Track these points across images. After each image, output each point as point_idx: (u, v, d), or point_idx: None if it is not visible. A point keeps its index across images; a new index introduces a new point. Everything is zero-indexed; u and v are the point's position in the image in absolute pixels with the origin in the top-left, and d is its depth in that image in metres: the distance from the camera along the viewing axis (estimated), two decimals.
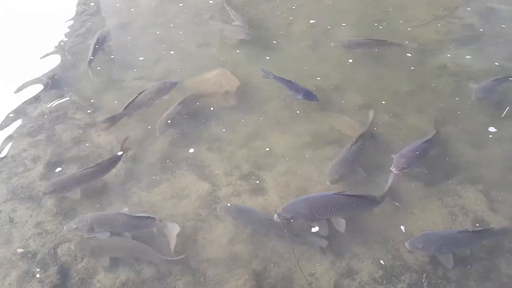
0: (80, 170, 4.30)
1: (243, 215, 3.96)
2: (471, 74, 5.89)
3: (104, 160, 4.42)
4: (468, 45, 6.52)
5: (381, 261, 3.67)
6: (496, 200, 4.18)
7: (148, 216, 3.83)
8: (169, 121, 4.96)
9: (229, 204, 4.08)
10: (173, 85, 5.48)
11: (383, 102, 5.41)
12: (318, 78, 5.84)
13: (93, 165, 4.32)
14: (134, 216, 3.83)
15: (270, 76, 5.45)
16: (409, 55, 6.26)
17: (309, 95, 5.14)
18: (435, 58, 6.27)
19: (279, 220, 3.72)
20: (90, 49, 6.21)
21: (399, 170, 4.13)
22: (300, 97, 5.16)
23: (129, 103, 5.05)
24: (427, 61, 6.20)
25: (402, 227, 3.93)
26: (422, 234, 3.70)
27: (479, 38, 6.71)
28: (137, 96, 5.14)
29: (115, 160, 4.47)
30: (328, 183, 4.16)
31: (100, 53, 6.31)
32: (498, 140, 4.84)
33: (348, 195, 3.84)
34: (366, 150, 4.58)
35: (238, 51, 6.45)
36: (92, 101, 5.56)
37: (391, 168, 4.17)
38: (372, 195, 3.97)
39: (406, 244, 3.62)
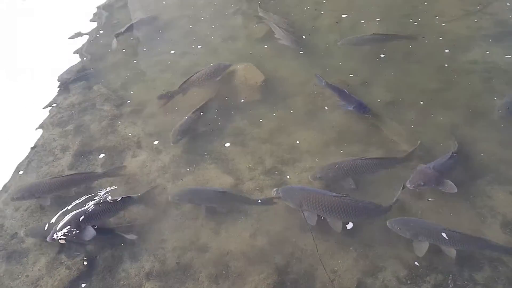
0: (51, 178, 4.28)
1: (195, 196, 4.08)
2: (502, 72, 5.70)
3: (77, 172, 4.41)
4: (501, 41, 6.29)
5: (406, 261, 3.62)
6: None
7: None
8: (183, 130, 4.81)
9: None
10: (226, 67, 5.63)
11: (412, 99, 5.30)
12: (350, 75, 5.76)
13: (65, 174, 4.37)
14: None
15: (323, 83, 5.26)
16: (447, 50, 6.08)
17: (361, 108, 4.87)
18: (466, 54, 6.08)
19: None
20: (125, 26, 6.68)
21: (413, 187, 3.97)
22: (351, 108, 4.94)
23: (184, 81, 5.37)
24: (458, 58, 6.02)
25: None
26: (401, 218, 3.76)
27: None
28: (192, 76, 5.43)
29: (89, 177, 4.36)
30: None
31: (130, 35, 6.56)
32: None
33: (354, 200, 3.81)
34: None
35: (265, 46, 6.41)
36: (119, 93, 5.67)
37: (406, 183, 3.99)
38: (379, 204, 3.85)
39: (387, 223, 3.70)
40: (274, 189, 4.02)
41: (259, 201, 4.10)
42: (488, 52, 6.06)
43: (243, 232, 3.90)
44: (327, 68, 5.87)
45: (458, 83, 5.57)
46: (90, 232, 3.71)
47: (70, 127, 5.15)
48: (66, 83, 5.87)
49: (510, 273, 3.51)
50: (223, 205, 4.04)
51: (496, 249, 3.60)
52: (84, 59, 6.46)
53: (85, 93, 5.74)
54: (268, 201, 4.07)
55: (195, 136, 4.89)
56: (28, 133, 5.10)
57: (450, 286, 3.44)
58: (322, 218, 3.82)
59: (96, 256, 3.77)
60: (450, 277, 3.49)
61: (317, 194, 3.84)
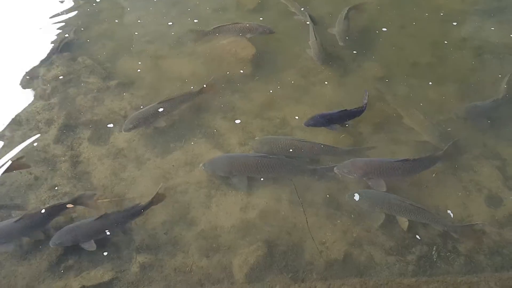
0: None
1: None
2: (494, 47, 5.70)
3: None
4: (495, 16, 6.25)
5: (392, 233, 3.70)
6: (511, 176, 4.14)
7: None
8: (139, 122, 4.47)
9: None
10: (266, 31, 5.58)
11: (402, 73, 5.29)
12: (336, 46, 5.67)
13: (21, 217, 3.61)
14: None
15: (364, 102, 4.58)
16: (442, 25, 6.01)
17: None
18: (460, 29, 6.04)
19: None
20: None
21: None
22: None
23: (219, 26, 5.63)
24: (451, 32, 5.98)
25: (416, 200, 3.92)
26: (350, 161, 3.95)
27: (506, 9, 6.42)
28: (228, 24, 5.64)
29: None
30: None
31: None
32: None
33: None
34: None
35: (256, 17, 6.24)
36: (105, 65, 5.52)
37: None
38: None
39: (347, 196, 3.83)
40: (201, 164, 4.10)
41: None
42: (481, 27, 6.03)
43: (234, 205, 3.92)
44: (321, 38, 5.76)
45: (451, 58, 5.56)
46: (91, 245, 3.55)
47: (54, 100, 5.00)
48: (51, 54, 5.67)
49: (492, 244, 3.63)
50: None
51: (442, 225, 3.69)
52: (68, 29, 6.22)
53: (69, 64, 5.55)
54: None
55: (184, 109, 4.81)
56: (10, 106, 4.95)
57: (435, 257, 3.55)
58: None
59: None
60: (434, 248, 3.60)
61: (242, 158, 4.06)
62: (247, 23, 5.67)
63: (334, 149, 4.24)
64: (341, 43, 5.54)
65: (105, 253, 3.56)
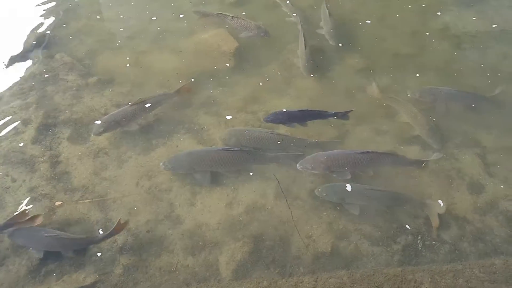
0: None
1: None
2: (471, 37, 5.77)
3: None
4: (471, 6, 6.32)
5: (377, 223, 3.71)
6: (492, 163, 4.20)
7: None
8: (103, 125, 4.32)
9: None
10: (260, 33, 5.51)
11: (384, 64, 5.31)
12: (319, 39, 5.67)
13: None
14: None
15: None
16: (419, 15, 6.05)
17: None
18: (437, 19, 6.09)
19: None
20: None
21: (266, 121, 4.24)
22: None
23: (225, 14, 5.74)
24: (429, 23, 6.03)
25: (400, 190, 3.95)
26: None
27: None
28: (234, 16, 5.70)
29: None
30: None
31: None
32: (495, 104, 4.79)
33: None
34: None
35: (238, 11, 6.16)
36: (84, 62, 5.38)
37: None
38: None
39: (316, 192, 3.81)
40: (161, 163, 4.00)
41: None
42: (461, 17, 6.09)
43: (219, 202, 3.87)
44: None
45: (430, 48, 5.60)
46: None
47: (31, 99, 4.86)
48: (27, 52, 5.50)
49: (476, 232, 3.67)
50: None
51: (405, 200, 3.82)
52: (46, 25, 6.04)
53: (46, 62, 5.40)
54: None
55: (166, 105, 4.72)
56: None
57: (419, 246, 3.58)
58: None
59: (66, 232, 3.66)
60: (419, 237, 3.63)
61: (202, 153, 4.03)
62: (247, 21, 5.61)
63: (303, 141, 4.26)
64: (332, 43, 5.47)
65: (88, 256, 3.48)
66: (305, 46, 5.17)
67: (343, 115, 4.18)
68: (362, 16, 6.11)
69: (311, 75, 5.10)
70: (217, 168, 4.01)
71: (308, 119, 4.27)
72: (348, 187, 3.80)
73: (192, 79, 4.98)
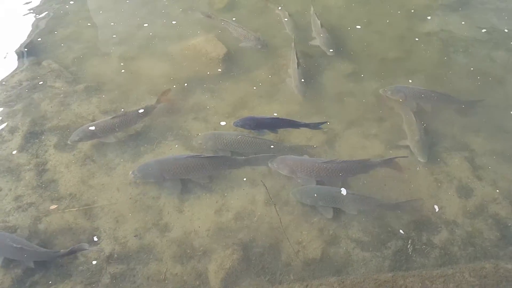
0: None
1: None
2: (458, 40, 5.82)
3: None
4: (457, 11, 6.39)
5: (367, 229, 3.70)
6: (481, 166, 4.22)
7: None
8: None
9: None
10: (260, 46, 5.48)
11: (371, 69, 5.33)
12: (310, 43, 5.69)
13: None
14: None
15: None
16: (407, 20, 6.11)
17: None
18: (424, 24, 6.14)
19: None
20: None
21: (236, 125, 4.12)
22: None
23: (227, 20, 5.86)
24: (417, 27, 6.08)
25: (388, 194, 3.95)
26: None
27: (469, 3, 6.57)
28: (236, 24, 5.75)
29: None
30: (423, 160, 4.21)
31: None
32: (481, 107, 4.82)
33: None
34: None
35: (227, 16, 6.16)
36: (72, 69, 5.32)
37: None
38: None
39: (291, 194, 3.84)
40: (130, 172, 3.95)
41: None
42: (447, 21, 6.15)
43: (208, 209, 3.83)
44: (289, 40, 5.74)
45: (417, 52, 5.64)
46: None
47: (18, 106, 4.79)
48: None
49: (465, 236, 3.67)
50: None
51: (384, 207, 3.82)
52: (32, 32, 5.98)
53: (34, 69, 5.33)
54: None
55: (155, 112, 4.68)
56: None
57: (410, 250, 3.57)
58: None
59: (52, 241, 3.59)
60: (409, 242, 3.62)
61: (171, 161, 3.95)
62: (247, 31, 5.61)
63: (278, 145, 4.27)
64: (330, 53, 5.42)
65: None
66: (298, 65, 5.02)
67: (316, 126, 4.15)
68: (350, 21, 6.14)
69: (304, 95, 4.92)
70: (187, 175, 3.94)
71: (279, 127, 4.26)
72: (321, 190, 3.80)
73: (174, 86, 4.94)
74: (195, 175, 3.94)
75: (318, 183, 3.92)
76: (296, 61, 5.05)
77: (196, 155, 3.96)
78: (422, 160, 4.20)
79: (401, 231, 3.69)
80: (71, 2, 6.54)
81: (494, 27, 6.03)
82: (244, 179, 4.06)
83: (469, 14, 6.34)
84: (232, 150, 4.24)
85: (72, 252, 3.39)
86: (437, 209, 3.85)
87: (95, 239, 3.60)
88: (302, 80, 4.99)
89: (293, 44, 5.39)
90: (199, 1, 6.60)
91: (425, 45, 5.76)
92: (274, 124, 4.18)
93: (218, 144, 4.21)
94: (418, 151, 4.23)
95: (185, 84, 5.06)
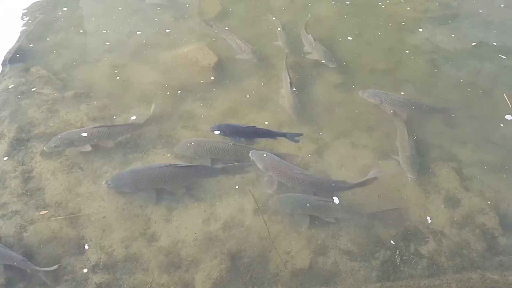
0: None
1: None
2: (446, 53, 5.92)
3: None
4: (446, 24, 6.51)
5: (356, 239, 3.70)
6: (468, 177, 4.25)
7: None
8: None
9: None
10: (256, 60, 5.48)
11: (361, 80, 5.38)
12: (301, 55, 5.73)
13: None
14: None
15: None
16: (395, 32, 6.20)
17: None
18: (413, 36, 6.24)
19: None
20: None
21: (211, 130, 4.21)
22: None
23: (225, 31, 5.89)
24: (405, 39, 6.17)
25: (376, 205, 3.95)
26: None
27: (457, 17, 6.70)
28: (235, 36, 5.75)
29: None
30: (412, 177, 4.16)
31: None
32: (469, 118, 4.89)
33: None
34: None
35: (226, 28, 6.17)
36: (61, 75, 5.28)
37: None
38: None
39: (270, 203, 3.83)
40: (104, 182, 3.92)
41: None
42: (433, 34, 6.26)
43: (196, 218, 3.80)
44: (281, 50, 5.78)
45: (406, 64, 5.71)
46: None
47: (5, 113, 4.72)
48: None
49: (453, 246, 3.69)
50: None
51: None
52: (21, 37, 5.94)
53: (21, 75, 5.28)
54: None
55: (145, 119, 4.66)
56: None
57: (398, 260, 3.57)
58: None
59: (37, 250, 3.53)
60: (397, 252, 3.62)
61: (146, 171, 3.90)
62: (245, 44, 5.60)
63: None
64: (332, 65, 5.41)
65: None
66: (291, 85, 4.88)
67: (292, 137, 4.19)
68: (341, 32, 6.21)
69: (299, 117, 4.75)
70: (162, 185, 3.88)
71: (254, 136, 4.29)
72: (298, 198, 3.81)
73: (133, 117, 4.73)
74: (171, 185, 3.88)
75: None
76: (289, 80, 4.94)
77: (171, 165, 3.90)
78: (411, 177, 4.19)
79: (391, 241, 3.69)
80: (64, 9, 6.53)
81: (482, 40, 6.15)
82: (236, 187, 4.04)
83: (457, 27, 6.46)
84: (213, 157, 4.21)
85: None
86: (429, 221, 3.85)
87: (86, 246, 3.55)
88: (297, 101, 4.83)
89: (285, 63, 5.30)
90: (191, 10, 6.63)
91: (414, 56, 5.84)
92: (250, 133, 4.23)
93: (199, 151, 4.18)
94: (408, 167, 4.23)
95: (178, 92, 5.05)
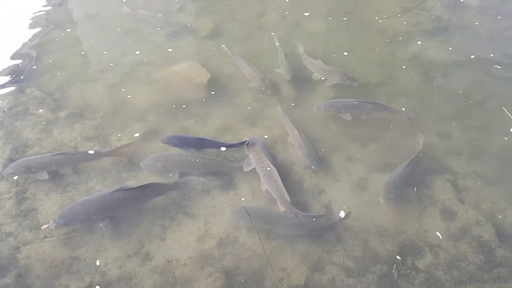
0: None
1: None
2: (438, 65, 5.97)
3: None
4: (436, 36, 6.60)
5: (352, 254, 3.67)
6: (463, 189, 4.24)
7: None
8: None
9: None
10: (264, 89, 5.33)
11: (352, 93, 5.42)
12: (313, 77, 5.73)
13: None
14: None
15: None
16: (387, 46, 6.27)
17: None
18: (405, 49, 6.31)
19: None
20: None
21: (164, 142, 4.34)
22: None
23: (241, 59, 5.72)
24: (397, 52, 6.24)
25: (372, 218, 3.93)
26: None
27: (447, 29, 6.80)
28: (246, 63, 5.61)
29: None
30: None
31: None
32: (464, 129, 4.91)
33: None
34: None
35: (210, 43, 6.27)
36: (55, 96, 5.32)
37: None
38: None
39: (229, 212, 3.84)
40: (51, 222, 3.64)
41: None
42: (425, 46, 6.33)
43: (190, 236, 3.77)
44: (272, 65, 5.84)
45: (398, 77, 5.76)
46: None
47: None
48: None
49: (450, 259, 3.65)
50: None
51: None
52: (16, 59, 5.99)
53: (16, 97, 5.32)
54: None
55: (139, 137, 4.65)
56: None
57: (395, 275, 3.53)
58: None
59: (31, 271, 3.49)
60: (394, 267, 3.58)
61: (98, 198, 3.70)
62: (254, 71, 5.46)
63: (228, 164, 4.31)
64: (356, 83, 5.38)
65: None
66: (299, 132, 4.61)
67: (240, 146, 4.36)
68: (333, 47, 6.28)
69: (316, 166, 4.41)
70: (115, 212, 3.73)
71: (203, 147, 4.40)
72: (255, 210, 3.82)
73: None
74: (126, 209, 3.75)
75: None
76: (295, 129, 4.64)
77: (120, 188, 3.74)
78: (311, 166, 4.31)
79: (398, 257, 3.65)
80: (68, 30, 6.62)
81: (473, 52, 6.21)
82: (230, 204, 4.02)
83: (448, 39, 6.55)
84: (181, 171, 4.22)
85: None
86: (440, 237, 3.81)
87: (80, 266, 3.50)
88: (311, 149, 4.51)
89: (279, 108, 5.05)
90: (184, 29, 6.71)
91: (406, 69, 5.90)
92: (199, 144, 4.35)
93: (167, 165, 4.18)
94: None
95: (172, 108, 5.09)
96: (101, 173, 4.29)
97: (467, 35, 6.65)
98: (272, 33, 6.39)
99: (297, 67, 5.68)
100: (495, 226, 3.89)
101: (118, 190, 3.74)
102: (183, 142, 4.32)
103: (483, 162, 4.53)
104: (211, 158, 4.29)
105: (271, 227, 3.77)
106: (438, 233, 3.84)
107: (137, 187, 3.81)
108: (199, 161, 4.21)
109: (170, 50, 6.21)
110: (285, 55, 5.72)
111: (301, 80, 5.63)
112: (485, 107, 5.25)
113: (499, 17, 6.99)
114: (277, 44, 6.10)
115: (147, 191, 3.86)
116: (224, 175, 4.28)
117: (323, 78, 5.57)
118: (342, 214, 3.88)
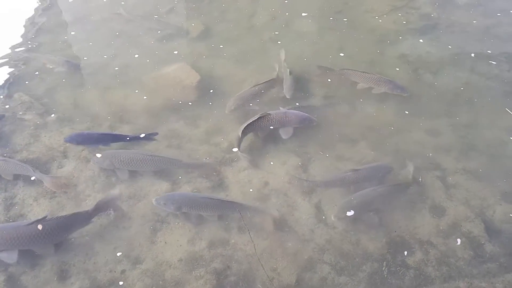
0: None
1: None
2: (428, 63, 6.00)
3: None
4: (426, 34, 6.63)
5: (342, 251, 3.67)
6: (453, 185, 4.27)
7: None
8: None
9: None
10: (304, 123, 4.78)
11: (342, 93, 5.43)
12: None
13: None
14: None
15: None
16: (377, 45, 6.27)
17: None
18: (395, 48, 6.33)
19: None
20: None
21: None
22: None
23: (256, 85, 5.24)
24: (387, 51, 6.26)
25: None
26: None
27: (436, 27, 6.83)
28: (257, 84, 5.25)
29: None
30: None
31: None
32: (453, 126, 4.94)
33: None
34: None
35: (200, 45, 6.25)
36: (43, 100, 5.28)
37: None
38: None
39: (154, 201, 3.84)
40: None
41: None
42: (414, 45, 6.35)
43: (181, 238, 3.76)
44: (263, 65, 5.84)
45: (388, 75, 5.76)
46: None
47: None
48: None
49: (440, 255, 3.67)
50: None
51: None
52: (4, 63, 5.95)
53: (5, 102, 5.28)
54: None
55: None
56: None
57: (385, 272, 3.54)
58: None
59: (19, 277, 3.46)
60: (384, 264, 3.60)
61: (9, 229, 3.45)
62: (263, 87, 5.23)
63: (178, 162, 4.27)
64: (406, 93, 5.19)
65: None
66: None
67: (149, 137, 4.41)
68: (323, 47, 6.29)
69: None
70: (31, 246, 3.45)
71: (108, 141, 4.41)
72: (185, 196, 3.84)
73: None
74: (41, 244, 3.46)
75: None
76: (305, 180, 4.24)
77: (36, 220, 3.45)
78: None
79: (387, 254, 3.66)
80: (57, 33, 6.59)
81: (462, 50, 6.24)
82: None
83: (437, 37, 6.56)
84: (131, 169, 4.20)
85: None
86: (459, 242, 3.78)
87: (69, 271, 3.47)
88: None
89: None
90: (173, 31, 6.69)
91: (395, 68, 5.91)
92: (102, 139, 4.36)
93: (115, 163, 4.16)
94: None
95: (162, 111, 5.07)
96: (90, 178, 4.27)
97: (456, 32, 6.68)
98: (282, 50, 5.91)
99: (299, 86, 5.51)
100: (484, 221, 3.91)
101: (33, 223, 3.43)
102: (86, 139, 4.29)
103: (472, 158, 4.56)
104: (162, 156, 4.26)
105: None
106: (458, 239, 3.78)
107: (55, 218, 3.53)
108: (149, 158, 4.18)
109: (160, 52, 6.19)
110: (290, 73, 5.43)
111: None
112: (473, 104, 5.28)
113: (488, 14, 7.03)
114: (283, 60, 5.66)
115: (67, 222, 3.57)
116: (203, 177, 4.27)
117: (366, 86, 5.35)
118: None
